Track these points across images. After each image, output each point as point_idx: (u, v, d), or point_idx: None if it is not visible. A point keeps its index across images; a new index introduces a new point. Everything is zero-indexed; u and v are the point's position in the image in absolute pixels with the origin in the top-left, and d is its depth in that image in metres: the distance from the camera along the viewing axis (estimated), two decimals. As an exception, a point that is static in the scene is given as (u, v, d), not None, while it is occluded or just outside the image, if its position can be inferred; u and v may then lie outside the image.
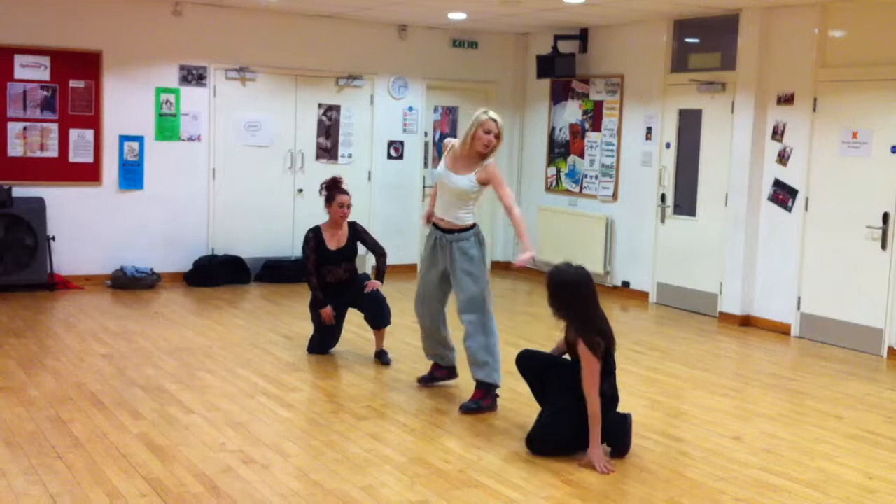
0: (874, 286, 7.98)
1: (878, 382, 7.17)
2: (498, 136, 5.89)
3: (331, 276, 7.21)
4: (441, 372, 6.50)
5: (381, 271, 7.27)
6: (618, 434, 5.18)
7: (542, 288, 5.38)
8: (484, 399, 5.95)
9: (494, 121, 5.87)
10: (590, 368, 5.01)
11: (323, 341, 7.28)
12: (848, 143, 8.19)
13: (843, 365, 7.64)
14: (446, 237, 6.02)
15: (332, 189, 7.24)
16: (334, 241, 7.21)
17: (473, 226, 6.03)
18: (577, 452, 5.11)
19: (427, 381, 6.51)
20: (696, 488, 4.79)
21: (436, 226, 6.11)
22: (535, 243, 6.56)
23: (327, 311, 7.14)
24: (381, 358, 7.06)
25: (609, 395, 5.14)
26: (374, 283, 7.11)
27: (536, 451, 5.14)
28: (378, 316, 7.07)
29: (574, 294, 5.13)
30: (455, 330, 6.30)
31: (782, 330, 8.75)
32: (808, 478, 4.99)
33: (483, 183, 5.93)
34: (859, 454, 5.43)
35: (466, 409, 5.91)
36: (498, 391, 6.02)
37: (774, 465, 5.18)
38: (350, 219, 7.29)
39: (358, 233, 7.31)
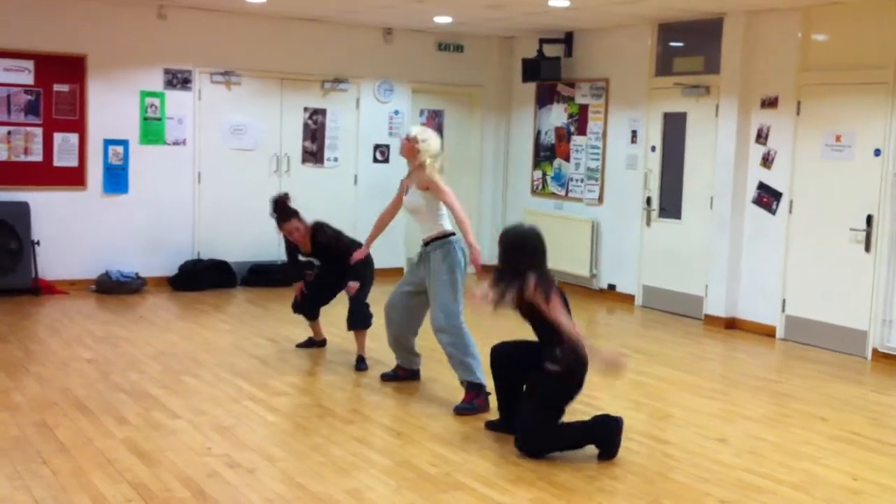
0: (858, 288, 8.02)
1: (863, 384, 7.21)
2: (410, 141, 6.24)
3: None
4: (404, 372, 6.67)
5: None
6: (608, 436, 5.19)
7: None
8: (476, 398, 6.01)
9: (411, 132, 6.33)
10: (555, 309, 5.02)
11: (303, 304, 7.41)
12: (832, 147, 8.23)
13: (828, 367, 7.68)
14: (426, 248, 6.26)
15: (279, 214, 7.18)
16: (304, 250, 7.33)
17: (451, 234, 6.23)
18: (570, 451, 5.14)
19: (390, 378, 6.64)
20: (681, 490, 4.80)
21: (423, 243, 6.35)
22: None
23: (298, 286, 7.38)
24: (357, 364, 6.97)
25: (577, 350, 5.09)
26: (352, 286, 6.92)
27: (532, 453, 5.10)
28: (349, 319, 6.99)
29: (530, 250, 5.18)
30: (429, 340, 6.38)
31: (767, 332, 8.78)
32: (793, 479, 5.01)
33: (426, 188, 6.18)
34: (844, 455, 5.46)
35: (460, 410, 5.95)
36: (489, 389, 6.04)
37: (759, 466, 5.20)
38: (320, 221, 7.22)
39: (320, 243, 7.18)
